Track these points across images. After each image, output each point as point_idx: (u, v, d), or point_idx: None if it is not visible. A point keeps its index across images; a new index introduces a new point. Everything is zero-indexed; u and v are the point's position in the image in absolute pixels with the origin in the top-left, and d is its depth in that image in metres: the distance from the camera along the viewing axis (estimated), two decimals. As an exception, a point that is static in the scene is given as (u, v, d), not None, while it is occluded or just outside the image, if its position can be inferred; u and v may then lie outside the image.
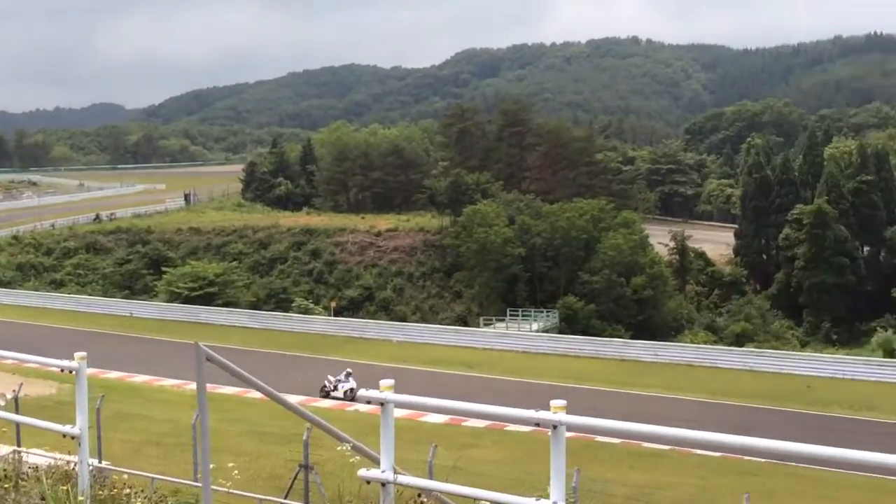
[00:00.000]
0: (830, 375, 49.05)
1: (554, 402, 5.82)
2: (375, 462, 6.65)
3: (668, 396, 42.95)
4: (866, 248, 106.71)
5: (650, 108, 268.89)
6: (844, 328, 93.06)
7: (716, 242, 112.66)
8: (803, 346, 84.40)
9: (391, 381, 6.64)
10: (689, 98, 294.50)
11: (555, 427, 5.70)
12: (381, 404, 6.42)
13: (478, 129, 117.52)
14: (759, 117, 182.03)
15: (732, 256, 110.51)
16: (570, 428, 5.76)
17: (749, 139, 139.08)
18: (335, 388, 37.83)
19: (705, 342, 73.49)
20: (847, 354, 64.66)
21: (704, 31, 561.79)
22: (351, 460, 7.91)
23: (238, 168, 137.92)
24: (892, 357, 52.93)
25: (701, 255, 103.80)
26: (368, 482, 6.67)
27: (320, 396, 37.32)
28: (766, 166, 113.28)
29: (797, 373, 49.94)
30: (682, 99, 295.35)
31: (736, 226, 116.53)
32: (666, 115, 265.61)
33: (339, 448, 7.95)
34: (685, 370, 51.52)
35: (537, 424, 5.85)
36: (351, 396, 36.18)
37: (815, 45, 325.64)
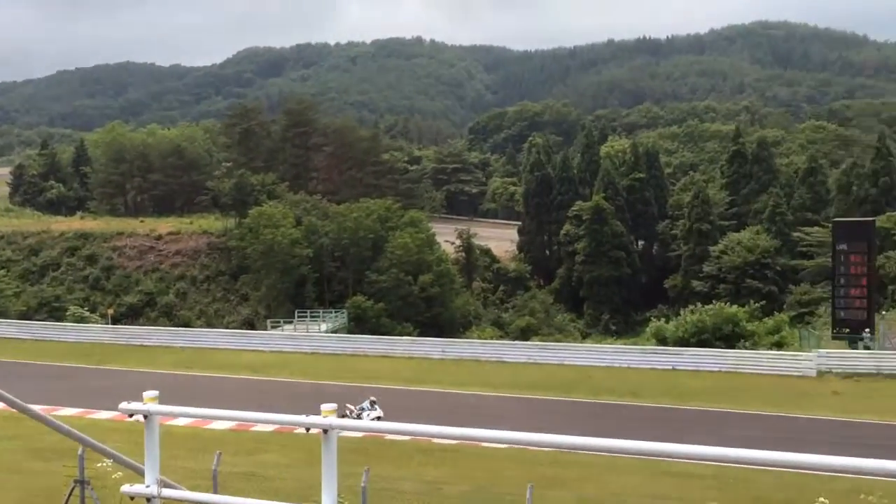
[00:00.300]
0: (609, 365, 50.94)
1: (324, 406, 5.68)
2: (142, 475, 6.28)
3: (456, 392, 43.49)
4: (640, 242, 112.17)
5: (435, 107, 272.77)
6: (622, 319, 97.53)
7: (501, 239, 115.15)
8: (584, 337, 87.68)
9: (155, 393, 6.25)
10: (473, 98, 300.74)
11: (325, 431, 5.58)
12: (145, 416, 6.04)
13: (262, 129, 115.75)
14: (539, 117, 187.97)
15: (517, 253, 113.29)
16: (342, 430, 5.63)
17: (530, 138, 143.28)
18: (359, 417, 33.82)
19: (492, 337, 75.00)
20: (624, 344, 67.45)
21: (486, 33, 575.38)
22: (114, 476, 7.41)
23: (5, 171, 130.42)
24: (664, 345, 55.49)
25: (487, 253, 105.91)
26: (133, 498, 6.28)
27: None
28: (546, 164, 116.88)
29: (579, 363, 51.50)
30: (465, 99, 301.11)
31: (519, 223, 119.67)
32: (450, 114, 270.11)
33: (99, 465, 7.42)
34: (473, 365, 52.27)
35: (308, 429, 5.69)
36: None
37: (590, 47, 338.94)
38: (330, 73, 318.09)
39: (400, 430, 5.75)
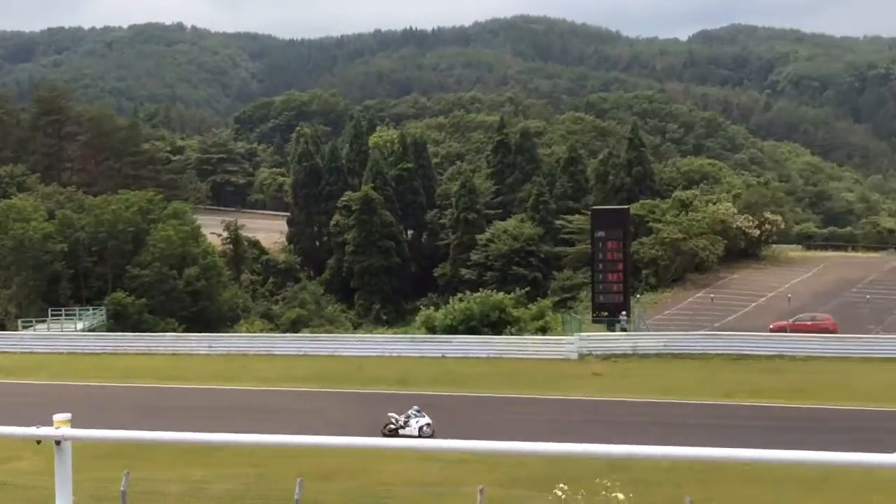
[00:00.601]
0: (379, 354, 51.07)
1: (57, 417, 5.08)
2: None
3: (221, 388, 42.30)
4: (410, 232, 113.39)
5: (198, 96, 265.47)
6: (392, 308, 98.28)
7: (270, 231, 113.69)
8: (356, 327, 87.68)
9: None
10: (238, 87, 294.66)
11: (58, 443, 4.98)
12: None
13: (10, 117, 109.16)
14: (307, 106, 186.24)
15: (286, 244, 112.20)
16: (77, 440, 5.04)
17: (298, 128, 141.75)
18: (405, 426, 31.58)
19: (261, 330, 73.92)
20: (394, 333, 67.92)
21: (251, 20, 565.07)
22: None
23: None
24: (433, 333, 56.18)
25: (255, 244, 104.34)
26: None
27: (384, 435, 30.47)
28: (315, 155, 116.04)
29: (350, 354, 51.41)
30: (230, 87, 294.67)
31: (289, 214, 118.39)
32: (214, 103, 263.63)
33: None
34: (241, 360, 51.23)
35: (39, 442, 5.08)
36: (429, 433, 30.92)
37: (357, 37, 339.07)
38: (84, 58, 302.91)
39: (131, 438, 5.13)
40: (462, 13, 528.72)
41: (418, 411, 31.89)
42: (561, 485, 12.03)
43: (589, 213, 75.23)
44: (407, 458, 26.14)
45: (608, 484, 12.52)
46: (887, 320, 61.60)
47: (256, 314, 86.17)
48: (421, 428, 31.01)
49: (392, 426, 31.33)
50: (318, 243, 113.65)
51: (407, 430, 30.97)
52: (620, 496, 11.98)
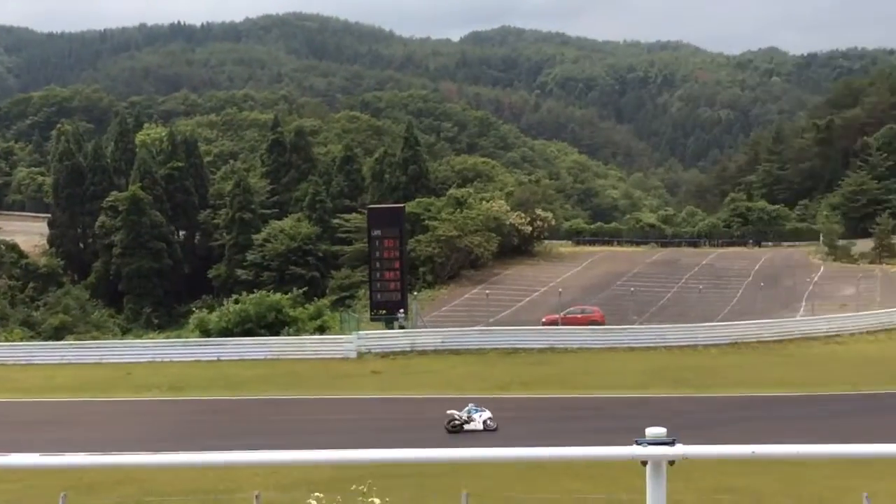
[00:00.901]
0: (150, 360, 49.31)
1: None
2: None
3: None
4: (182, 233, 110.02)
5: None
6: (165, 311, 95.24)
7: (29, 233, 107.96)
8: (125, 333, 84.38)
9: None
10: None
11: None
12: None
13: None
14: (68, 103, 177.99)
15: (48, 247, 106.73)
16: None
17: (59, 125, 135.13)
18: (468, 421, 30.92)
19: (21, 339, 69.53)
20: (166, 338, 65.69)
21: (5, 12, 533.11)
22: None
23: None
24: (207, 336, 54.63)
25: (13, 248, 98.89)
26: None
27: (448, 431, 30.64)
28: (77, 153, 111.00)
29: (118, 361, 49.45)
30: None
31: (49, 215, 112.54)
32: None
33: None
34: (-1, 370, 48.11)
35: None
36: (493, 427, 30.80)
37: (122, 31, 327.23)
38: None
39: None
40: (232, 9, 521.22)
41: (476, 407, 32.07)
42: (316, 493, 11.56)
43: (365, 211, 75.03)
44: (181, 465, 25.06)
45: (364, 489, 12.15)
46: (649, 311, 64.75)
47: (15, 322, 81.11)
48: (485, 422, 31.26)
49: (456, 422, 31.19)
50: (82, 245, 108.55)
51: (472, 426, 31.12)
52: (377, 501, 11.64)
